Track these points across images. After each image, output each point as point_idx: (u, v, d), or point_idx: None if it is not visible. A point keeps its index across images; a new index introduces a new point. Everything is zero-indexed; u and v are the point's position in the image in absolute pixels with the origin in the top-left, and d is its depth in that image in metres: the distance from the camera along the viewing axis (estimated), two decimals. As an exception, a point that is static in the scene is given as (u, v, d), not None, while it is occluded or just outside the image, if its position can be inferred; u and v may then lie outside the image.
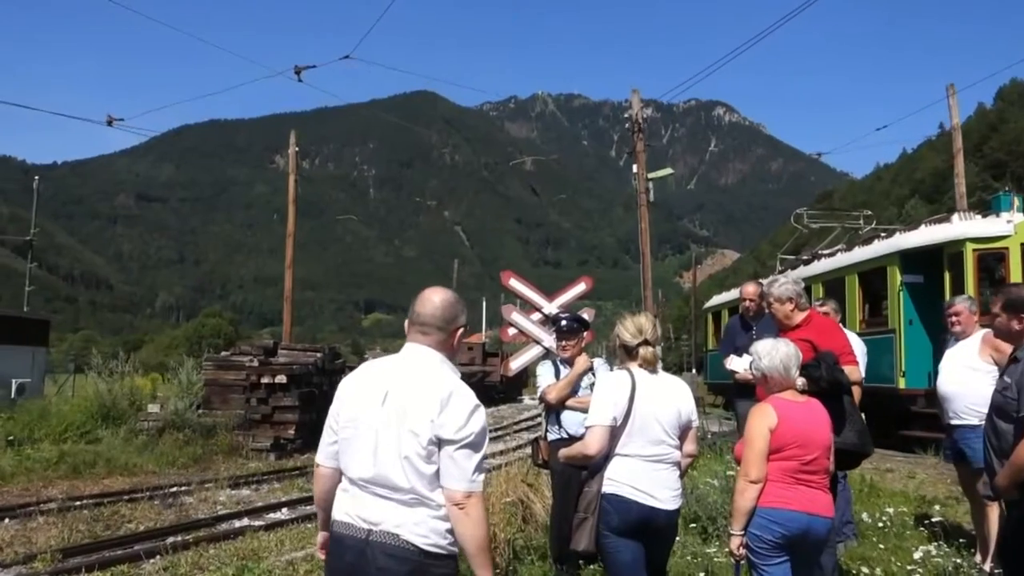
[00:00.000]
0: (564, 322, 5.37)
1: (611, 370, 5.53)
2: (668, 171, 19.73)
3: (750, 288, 7.01)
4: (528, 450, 8.43)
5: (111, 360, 18.69)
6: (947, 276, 12.37)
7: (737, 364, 6.84)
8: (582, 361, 5.29)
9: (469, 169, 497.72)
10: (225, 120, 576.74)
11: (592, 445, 3.72)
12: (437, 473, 2.51)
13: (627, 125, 18.84)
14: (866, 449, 4.68)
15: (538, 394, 5.50)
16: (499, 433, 22.48)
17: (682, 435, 3.90)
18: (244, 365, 18.85)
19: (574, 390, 5.23)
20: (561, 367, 5.39)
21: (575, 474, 4.06)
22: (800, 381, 4.06)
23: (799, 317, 4.96)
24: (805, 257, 18.30)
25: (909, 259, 13.11)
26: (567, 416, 5.21)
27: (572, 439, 4.89)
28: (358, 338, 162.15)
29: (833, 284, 15.14)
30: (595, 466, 3.82)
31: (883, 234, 15.31)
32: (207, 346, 37.36)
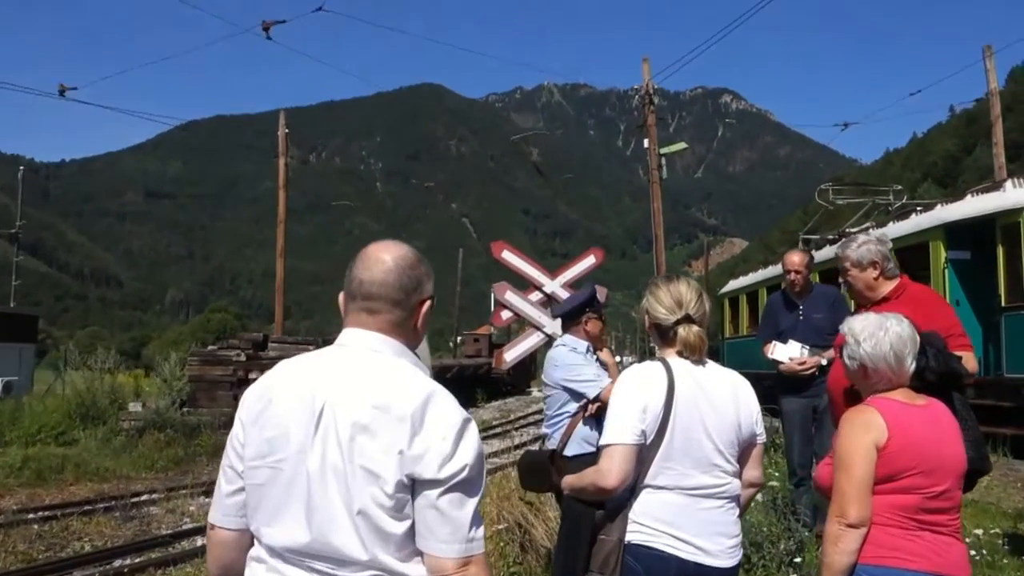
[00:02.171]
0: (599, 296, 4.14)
1: (624, 362, 4.30)
2: (682, 145, 18.40)
3: (795, 258, 5.73)
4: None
5: (88, 355, 17.53)
6: (1000, 251, 11.04)
7: (781, 352, 5.60)
8: (608, 354, 4.09)
9: (476, 161, 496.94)
10: (231, 116, 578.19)
11: (612, 473, 2.49)
12: (411, 533, 1.60)
13: (636, 98, 17.53)
14: (985, 466, 3.42)
15: (586, 394, 4.02)
16: (505, 428, 21.30)
17: (742, 455, 2.67)
18: (231, 360, 17.76)
19: None
20: (588, 356, 4.14)
21: (586, 514, 2.79)
22: None
23: (887, 287, 3.69)
24: (831, 236, 16.97)
25: (954, 233, 11.79)
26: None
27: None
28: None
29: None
30: (615, 503, 2.59)
31: (919, 208, 13.98)
32: (200, 342, 36.32)
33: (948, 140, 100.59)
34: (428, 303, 1.82)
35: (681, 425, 2.53)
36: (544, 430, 4.41)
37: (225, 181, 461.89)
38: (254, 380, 1.88)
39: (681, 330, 2.64)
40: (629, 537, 2.54)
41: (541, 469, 4.15)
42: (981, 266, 11.43)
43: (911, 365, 2.62)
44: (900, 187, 17.64)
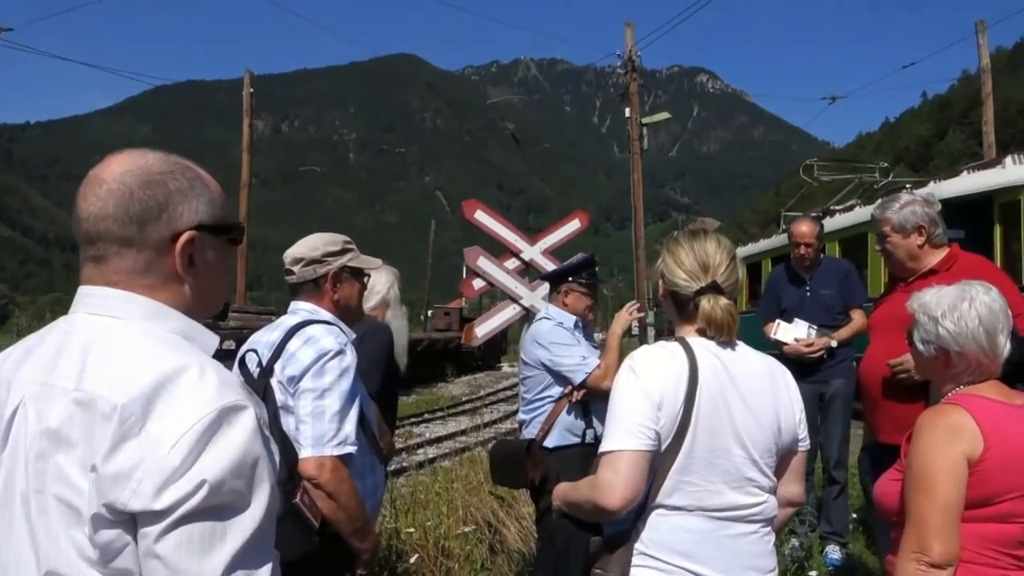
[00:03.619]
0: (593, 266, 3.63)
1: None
2: (664, 115, 17.80)
3: (804, 228, 5.10)
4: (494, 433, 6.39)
5: (39, 321, 16.65)
6: (997, 230, 10.60)
7: (786, 332, 5.00)
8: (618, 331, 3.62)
9: (451, 134, 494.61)
10: (203, 81, 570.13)
11: (615, 489, 1.86)
12: None
13: (620, 63, 16.85)
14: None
15: (571, 379, 3.43)
16: (475, 404, 20.72)
17: (780, 466, 2.05)
18: (188, 329, 16.99)
19: None
20: (576, 333, 3.53)
21: (577, 540, 2.15)
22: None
23: (934, 257, 3.08)
24: (814, 213, 16.49)
25: (949, 211, 11.27)
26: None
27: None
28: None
29: (852, 242, 13.41)
30: (617, 528, 1.97)
31: (909, 185, 13.52)
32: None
33: (920, 125, 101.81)
34: (187, 236, 1.15)
35: (705, 427, 1.90)
36: (520, 416, 3.77)
37: (195, 147, 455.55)
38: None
39: (704, 302, 1.99)
40: (635, 573, 1.92)
41: (515, 463, 3.52)
42: (976, 246, 10.93)
43: (1005, 346, 2.01)
44: (886, 164, 17.21)
